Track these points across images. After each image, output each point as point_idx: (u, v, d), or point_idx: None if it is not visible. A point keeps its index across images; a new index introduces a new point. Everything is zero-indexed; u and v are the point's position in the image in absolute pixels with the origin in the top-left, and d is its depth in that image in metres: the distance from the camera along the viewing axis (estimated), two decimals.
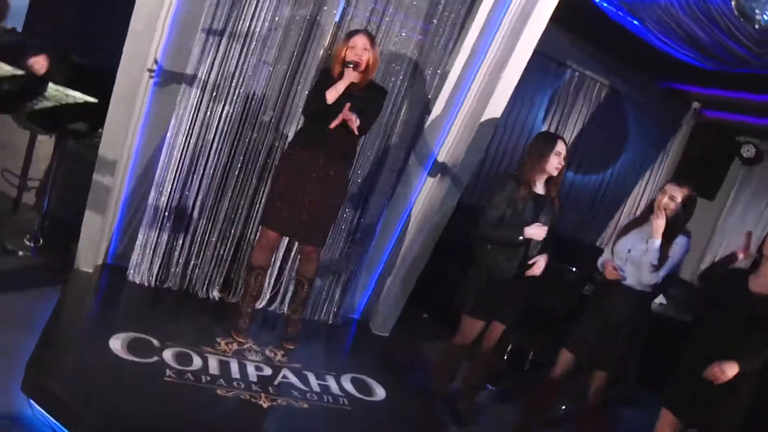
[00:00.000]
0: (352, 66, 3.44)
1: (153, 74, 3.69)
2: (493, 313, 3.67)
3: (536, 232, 3.51)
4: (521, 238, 3.51)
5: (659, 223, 3.38)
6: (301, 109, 3.85)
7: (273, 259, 4.03)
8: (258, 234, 3.94)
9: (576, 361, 3.66)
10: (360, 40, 3.52)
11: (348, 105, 3.41)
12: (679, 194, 3.43)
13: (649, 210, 3.55)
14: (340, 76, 3.49)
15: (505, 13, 4.09)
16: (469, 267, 3.68)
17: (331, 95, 3.43)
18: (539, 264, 3.59)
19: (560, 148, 3.56)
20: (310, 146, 3.56)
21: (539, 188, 3.60)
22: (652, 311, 3.79)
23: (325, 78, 3.56)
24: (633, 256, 3.47)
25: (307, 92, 3.89)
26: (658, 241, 3.38)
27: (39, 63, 3.39)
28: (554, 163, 3.55)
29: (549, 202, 3.61)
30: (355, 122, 3.43)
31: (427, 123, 4.33)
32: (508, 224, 3.52)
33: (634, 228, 3.58)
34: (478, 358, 3.88)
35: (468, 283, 3.66)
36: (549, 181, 3.62)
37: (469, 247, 3.72)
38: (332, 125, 3.43)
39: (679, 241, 3.46)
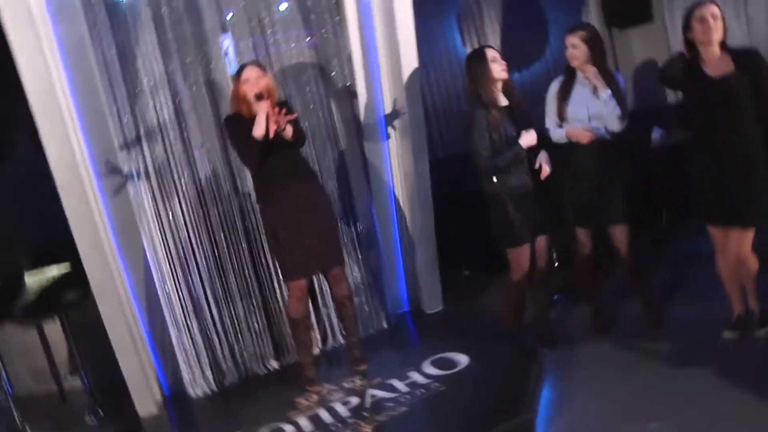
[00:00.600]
0: (259, 97, 3.39)
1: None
2: (530, 232, 3.64)
3: (530, 138, 3.52)
4: (522, 151, 3.51)
5: (589, 76, 3.43)
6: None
7: (308, 305, 4.03)
8: (286, 289, 3.94)
9: (590, 229, 3.67)
10: (251, 72, 3.51)
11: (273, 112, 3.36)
12: (577, 39, 3.46)
13: (569, 66, 3.56)
14: (250, 109, 3.47)
15: None
16: (488, 205, 3.66)
17: (257, 131, 3.37)
18: (545, 163, 3.58)
19: (492, 54, 3.57)
20: (279, 188, 3.54)
21: (502, 100, 3.60)
22: (654, 147, 3.76)
23: (238, 122, 3.54)
24: (594, 112, 3.47)
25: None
26: (608, 91, 3.41)
27: None
28: (498, 69, 3.55)
29: (516, 106, 3.62)
30: (284, 120, 3.38)
31: (361, 109, 4.34)
32: (500, 147, 3.50)
33: (569, 89, 3.57)
34: (536, 278, 3.84)
35: (495, 220, 3.64)
36: (505, 87, 3.62)
37: (473, 192, 3.73)
38: (271, 134, 3.37)
39: (619, 78, 3.52)
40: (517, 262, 3.67)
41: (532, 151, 3.58)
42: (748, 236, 3.17)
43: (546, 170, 3.58)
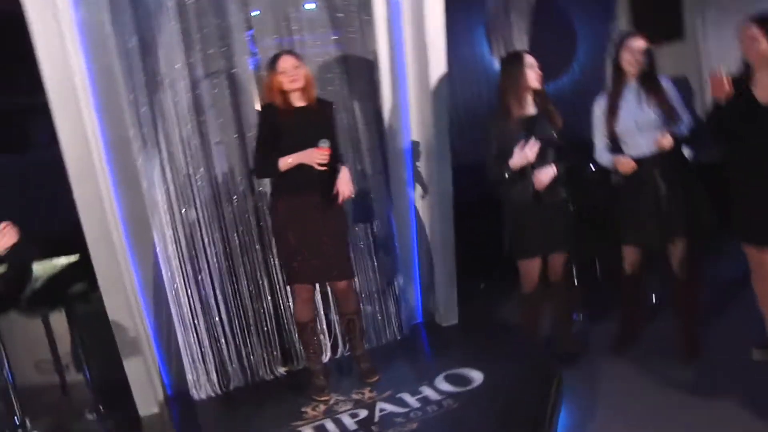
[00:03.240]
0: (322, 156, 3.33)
1: None
2: (541, 246, 3.54)
3: (521, 157, 3.38)
4: (507, 174, 3.43)
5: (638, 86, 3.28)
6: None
7: (315, 309, 3.92)
8: (292, 293, 3.83)
9: (644, 248, 3.51)
10: (288, 61, 3.39)
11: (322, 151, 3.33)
12: (641, 43, 3.34)
13: (617, 75, 3.44)
14: (286, 101, 3.38)
15: None
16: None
17: (284, 164, 3.36)
18: (540, 175, 3.44)
19: (530, 60, 3.49)
20: (298, 191, 3.44)
21: (531, 108, 3.50)
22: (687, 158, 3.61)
23: (267, 117, 3.45)
24: (643, 124, 3.32)
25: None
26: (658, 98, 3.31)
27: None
28: (532, 76, 3.46)
29: (545, 116, 3.50)
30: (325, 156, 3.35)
31: (385, 112, 4.22)
32: (507, 156, 3.42)
33: (617, 100, 3.43)
34: (553, 296, 3.74)
35: (508, 230, 3.59)
36: (536, 97, 3.51)
37: (492, 202, 3.65)
38: (322, 167, 3.35)
39: (665, 84, 3.37)
40: (526, 275, 3.63)
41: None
42: None
43: (543, 178, 3.44)
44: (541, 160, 3.45)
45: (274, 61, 3.44)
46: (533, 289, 3.65)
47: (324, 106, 3.58)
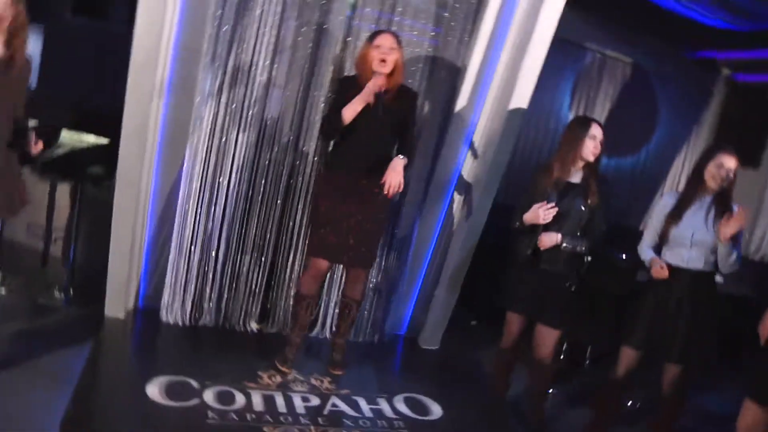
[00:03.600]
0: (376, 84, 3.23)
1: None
2: (529, 308, 3.45)
3: (533, 214, 3.30)
4: (518, 223, 3.39)
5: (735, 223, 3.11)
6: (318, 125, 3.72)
7: (322, 287, 3.87)
8: (304, 263, 3.81)
9: (643, 357, 3.40)
10: (386, 40, 3.32)
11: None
12: (733, 164, 3.20)
13: (695, 183, 3.30)
14: (369, 79, 3.28)
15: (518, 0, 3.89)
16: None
17: (348, 114, 3.25)
18: (543, 236, 3.33)
19: (595, 131, 3.33)
20: (348, 167, 3.39)
21: (575, 176, 3.37)
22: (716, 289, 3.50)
23: (346, 87, 3.37)
24: (698, 239, 3.21)
25: (324, 105, 3.75)
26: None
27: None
28: (590, 148, 3.32)
29: (586, 190, 3.35)
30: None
31: (451, 124, 4.13)
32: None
33: (686, 209, 3.31)
34: (534, 366, 3.62)
35: (504, 277, 3.55)
36: (586, 168, 3.39)
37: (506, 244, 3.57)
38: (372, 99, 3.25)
39: (735, 210, 3.22)
40: (507, 327, 3.61)
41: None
42: None
43: (545, 240, 3.33)
44: (554, 226, 3.35)
45: (374, 35, 3.38)
46: (510, 344, 3.59)
47: (406, 93, 3.49)
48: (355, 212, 3.37)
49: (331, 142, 3.59)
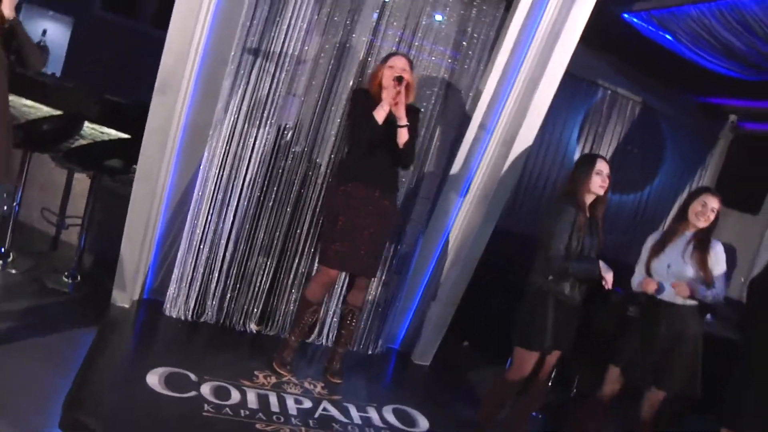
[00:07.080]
0: (399, 80, 3.36)
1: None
2: (551, 344, 3.48)
3: (610, 278, 3.37)
4: (598, 271, 3.35)
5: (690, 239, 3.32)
6: (344, 141, 3.86)
7: (329, 295, 3.98)
8: (312, 270, 3.94)
9: (626, 379, 3.52)
10: (399, 61, 3.48)
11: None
12: (716, 204, 3.38)
13: (679, 219, 3.48)
14: (380, 97, 3.42)
15: (534, 34, 4.04)
16: (521, 297, 3.47)
17: (380, 115, 3.37)
18: (609, 277, 3.38)
19: (601, 166, 3.44)
20: (364, 180, 3.51)
21: (586, 211, 3.49)
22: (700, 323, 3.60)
23: (365, 98, 3.50)
24: (675, 272, 3.36)
25: (340, 120, 3.89)
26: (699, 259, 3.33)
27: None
28: (597, 182, 3.42)
29: (595, 224, 3.48)
30: (403, 119, 3.41)
31: (461, 148, 4.26)
32: (575, 254, 3.34)
33: (668, 243, 3.47)
34: (531, 388, 3.69)
35: (524, 315, 3.44)
36: (594, 202, 3.52)
37: (512, 274, 3.62)
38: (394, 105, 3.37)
39: (717, 248, 3.39)
40: (523, 365, 3.47)
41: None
42: None
43: (610, 281, 3.39)
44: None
45: (388, 56, 3.55)
46: (519, 379, 3.49)
47: (409, 109, 3.60)
48: (369, 225, 3.50)
49: (336, 153, 3.72)
